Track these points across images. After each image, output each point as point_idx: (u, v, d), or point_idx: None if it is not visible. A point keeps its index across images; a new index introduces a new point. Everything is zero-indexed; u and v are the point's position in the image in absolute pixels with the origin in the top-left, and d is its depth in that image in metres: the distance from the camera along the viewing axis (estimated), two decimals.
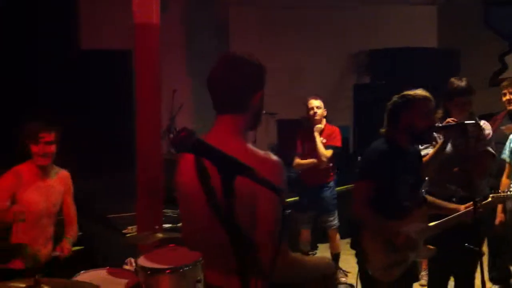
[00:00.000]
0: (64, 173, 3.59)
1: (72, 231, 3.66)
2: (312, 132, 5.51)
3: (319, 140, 5.45)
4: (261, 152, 1.99)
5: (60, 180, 3.56)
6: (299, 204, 5.63)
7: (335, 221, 5.61)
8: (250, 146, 2.01)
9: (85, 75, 6.37)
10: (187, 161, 2.01)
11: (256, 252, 1.96)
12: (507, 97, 4.98)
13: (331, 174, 5.66)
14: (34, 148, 3.44)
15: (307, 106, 5.57)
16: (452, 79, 3.88)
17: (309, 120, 5.57)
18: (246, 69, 2.02)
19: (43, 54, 6.25)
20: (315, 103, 5.52)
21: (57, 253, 3.52)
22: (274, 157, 1.99)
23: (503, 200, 3.69)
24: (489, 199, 3.50)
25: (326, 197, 5.59)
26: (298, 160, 5.60)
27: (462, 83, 3.80)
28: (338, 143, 5.53)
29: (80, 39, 6.84)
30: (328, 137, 5.52)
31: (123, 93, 6.24)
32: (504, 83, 5.10)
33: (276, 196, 1.91)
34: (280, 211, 1.99)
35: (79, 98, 6.21)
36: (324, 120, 5.55)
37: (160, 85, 4.64)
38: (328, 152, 5.43)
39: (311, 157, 5.53)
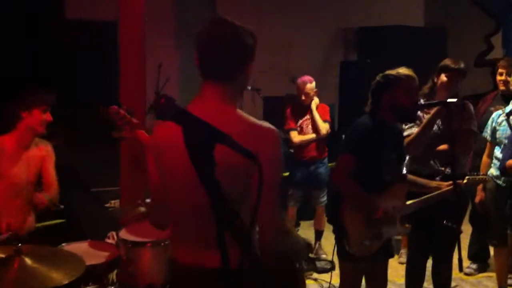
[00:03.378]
0: (44, 143, 3.56)
1: (51, 191, 3.65)
2: (304, 108, 5.57)
3: (317, 114, 5.50)
4: (258, 121, 1.95)
5: (40, 150, 3.54)
6: (292, 180, 5.67)
7: (324, 197, 5.68)
8: (245, 114, 1.97)
9: (69, 45, 6.26)
10: (172, 127, 1.98)
11: (241, 224, 1.94)
12: (503, 77, 4.87)
13: (326, 149, 5.72)
14: (40, 116, 3.38)
15: (300, 88, 5.55)
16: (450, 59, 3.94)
17: (301, 100, 5.57)
18: (245, 39, 1.96)
19: (27, 23, 6.14)
20: (308, 88, 5.51)
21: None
22: (271, 126, 1.95)
23: (478, 182, 3.73)
24: (465, 181, 3.54)
25: (321, 173, 5.64)
26: (298, 136, 5.62)
27: (460, 64, 3.85)
28: (329, 118, 5.61)
29: (65, 9, 6.72)
30: (321, 113, 5.56)
31: (108, 65, 6.17)
32: (501, 62, 5.01)
33: (277, 166, 1.92)
34: (280, 181, 1.96)
35: (63, 69, 6.11)
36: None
37: (145, 57, 4.61)
38: (327, 125, 5.51)
39: (303, 133, 5.59)
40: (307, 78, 5.56)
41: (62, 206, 3.61)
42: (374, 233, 3.25)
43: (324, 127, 5.50)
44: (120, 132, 2.98)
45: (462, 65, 3.85)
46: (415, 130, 3.76)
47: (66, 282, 2.62)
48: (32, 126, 3.38)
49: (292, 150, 5.76)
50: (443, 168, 3.80)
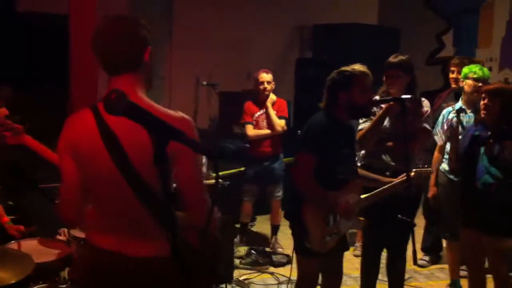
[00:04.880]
0: None
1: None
2: (261, 103, 5.57)
3: (273, 111, 5.50)
4: (171, 111, 2.00)
5: None
6: (247, 176, 5.67)
7: (280, 192, 5.69)
8: (156, 104, 2.00)
9: (20, 38, 6.07)
10: (86, 121, 1.97)
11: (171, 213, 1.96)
12: (454, 75, 4.99)
13: (281, 145, 5.72)
14: None
15: (256, 79, 5.57)
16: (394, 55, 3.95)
17: (258, 93, 5.58)
18: (134, 27, 2.02)
19: None
20: (266, 77, 5.54)
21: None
22: (186, 116, 2.01)
23: (423, 175, 3.78)
24: (412, 173, 3.56)
25: (275, 168, 5.65)
26: (254, 130, 5.61)
27: (394, 59, 3.87)
28: (286, 114, 5.62)
29: (16, 1, 6.51)
30: (278, 109, 5.57)
31: (60, 59, 6.01)
32: (454, 61, 5.11)
33: (196, 154, 1.96)
34: (201, 168, 2.03)
35: (13, 62, 5.92)
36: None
37: None
38: (282, 122, 5.51)
39: (258, 127, 5.59)
40: (262, 69, 5.61)
41: (10, 203, 3.48)
42: (334, 230, 3.28)
43: (278, 124, 5.50)
44: (2, 138, 2.88)
45: (398, 59, 3.83)
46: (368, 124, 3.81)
47: (14, 281, 2.55)
48: None
49: (248, 145, 5.76)
50: (394, 163, 3.85)
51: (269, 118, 5.51)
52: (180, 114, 2.00)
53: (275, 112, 5.52)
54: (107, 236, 2.02)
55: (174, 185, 1.99)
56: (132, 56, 2.00)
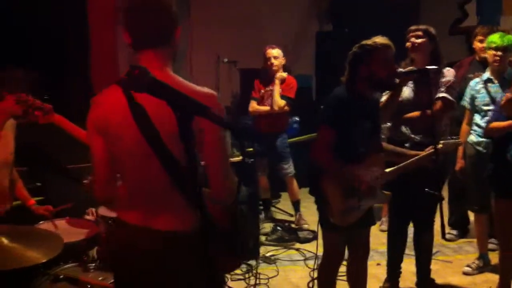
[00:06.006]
0: (11, 120, 3.45)
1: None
2: (270, 80, 5.52)
3: (278, 89, 5.45)
4: (198, 87, 1.98)
5: (10, 127, 3.43)
6: (256, 150, 5.67)
7: (290, 168, 5.67)
8: (183, 80, 1.99)
9: (35, 16, 6.05)
10: (115, 96, 1.96)
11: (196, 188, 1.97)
12: (484, 44, 4.72)
13: (284, 124, 5.70)
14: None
15: (264, 55, 5.53)
16: None
17: (268, 69, 5.53)
18: (168, 3, 2.00)
19: None
20: (273, 52, 5.50)
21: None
22: (212, 91, 2.00)
23: (452, 146, 3.72)
24: (440, 145, 3.51)
25: (278, 146, 5.62)
26: (254, 105, 5.62)
27: (416, 25, 3.82)
28: (292, 94, 5.53)
29: None
30: (285, 88, 5.51)
31: (77, 37, 5.99)
32: (480, 29, 4.98)
33: (221, 130, 1.96)
34: (226, 144, 2.02)
35: (31, 42, 5.91)
36: (281, 70, 5.56)
37: (115, 28, 4.51)
38: (281, 102, 5.44)
39: (262, 103, 5.59)
40: (269, 45, 5.57)
41: (39, 184, 3.52)
42: (354, 203, 3.26)
43: (277, 103, 5.43)
44: (35, 118, 2.90)
45: (421, 25, 3.80)
46: None
47: (44, 260, 2.58)
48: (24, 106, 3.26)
49: None
50: (413, 135, 3.80)
51: (271, 96, 5.47)
52: (206, 89, 1.98)
53: (280, 90, 5.46)
54: (133, 211, 2.04)
55: (203, 162, 1.98)
56: (165, 32, 1.99)
